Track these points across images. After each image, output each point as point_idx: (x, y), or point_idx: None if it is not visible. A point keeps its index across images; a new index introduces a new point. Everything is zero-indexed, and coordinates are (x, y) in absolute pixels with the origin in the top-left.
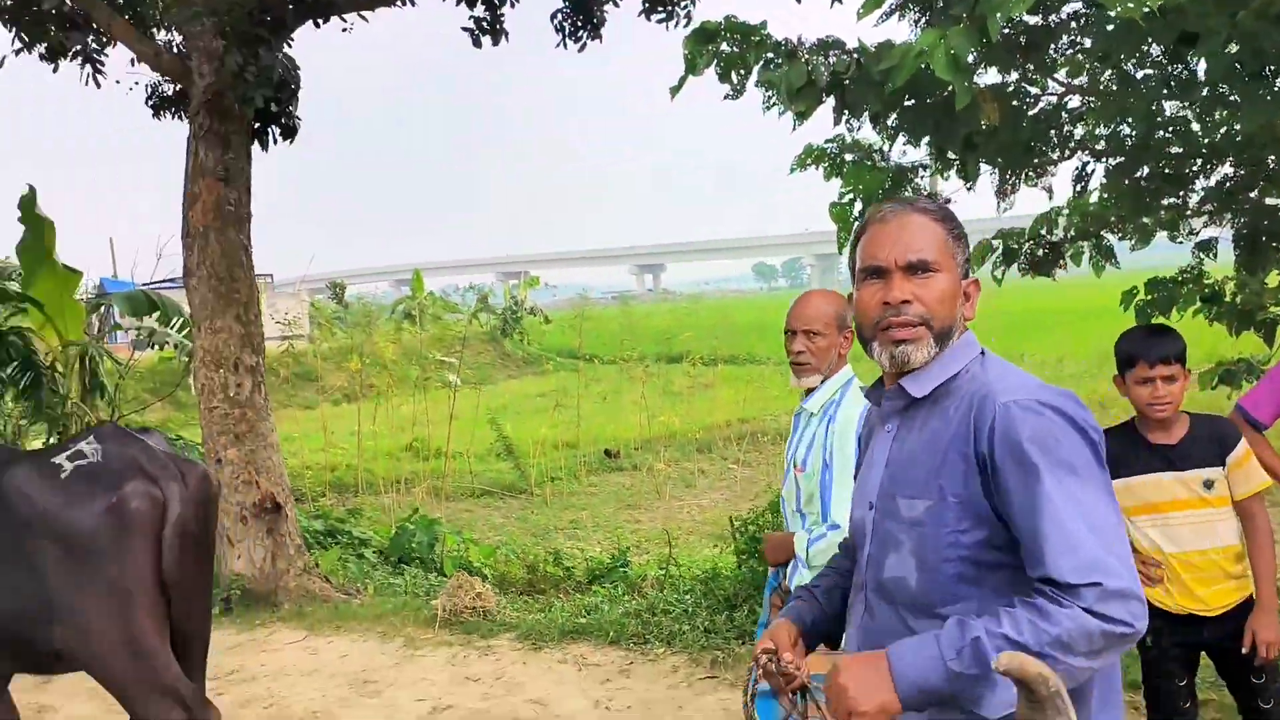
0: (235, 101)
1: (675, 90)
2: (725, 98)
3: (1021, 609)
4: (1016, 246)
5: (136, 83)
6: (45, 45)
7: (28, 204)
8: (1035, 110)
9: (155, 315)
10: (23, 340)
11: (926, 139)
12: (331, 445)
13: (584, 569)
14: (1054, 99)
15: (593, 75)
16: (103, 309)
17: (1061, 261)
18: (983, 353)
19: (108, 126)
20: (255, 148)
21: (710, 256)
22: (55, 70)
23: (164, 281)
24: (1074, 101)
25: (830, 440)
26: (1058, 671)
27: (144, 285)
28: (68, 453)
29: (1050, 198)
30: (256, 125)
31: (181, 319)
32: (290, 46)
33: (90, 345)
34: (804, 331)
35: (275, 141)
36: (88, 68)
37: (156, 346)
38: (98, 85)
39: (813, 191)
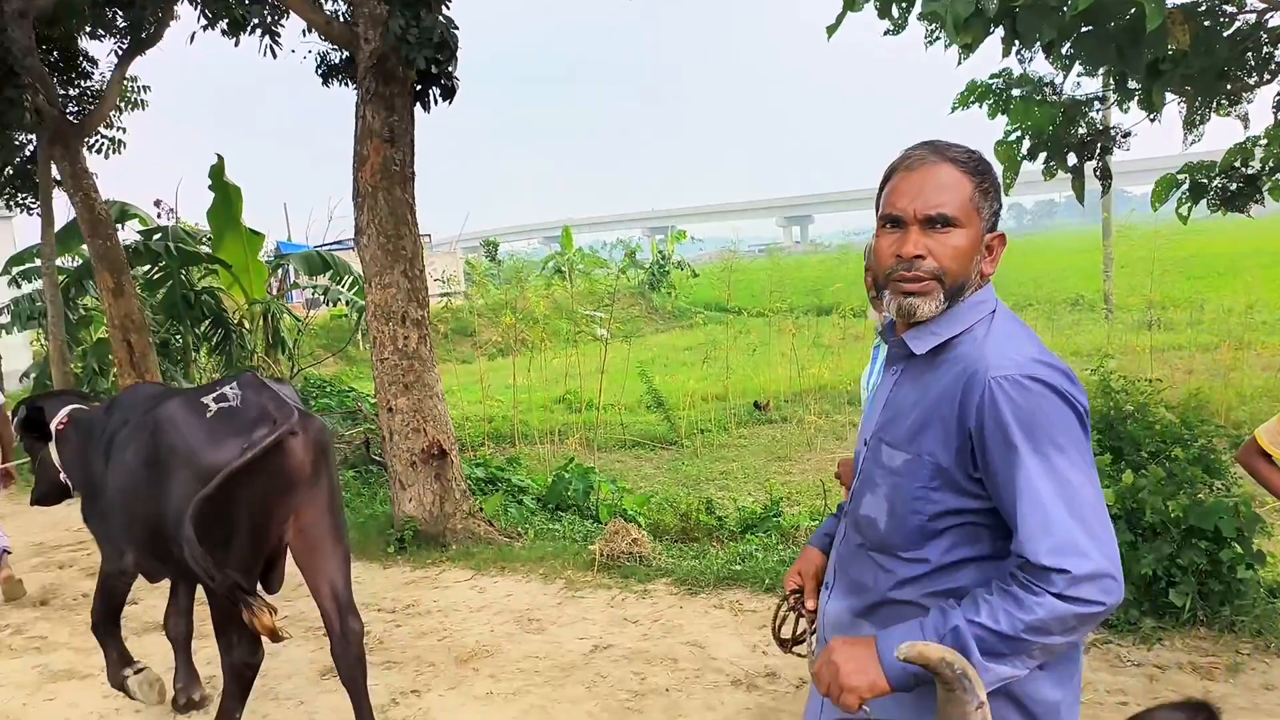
0: (399, 64)
1: (832, 29)
2: (885, 34)
3: (998, 597)
4: (1205, 181)
5: (310, 51)
6: (227, 21)
7: (217, 172)
8: (1231, 31)
9: (328, 274)
10: (214, 299)
11: (1106, 68)
12: (488, 397)
13: (736, 518)
14: (1252, 17)
15: (744, 20)
16: (282, 269)
17: (1258, 196)
18: (993, 311)
19: (282, 96)
20: (417, 110)
21: (859, 206)
22: (236, 44)
23: (333, 243)
24: (1276, 20)
25: None
26: (1033, 650)
27: (316, 247)
28: (214, 394)
29: (1246, 127)
30: (418, 87)
31: (351, 277)
32: (449, 8)
33: (272, 303)
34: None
35: (435, 102)
36: (266, 39)
37: (330, 303)
38: (274, 55)
39: (974, 132)
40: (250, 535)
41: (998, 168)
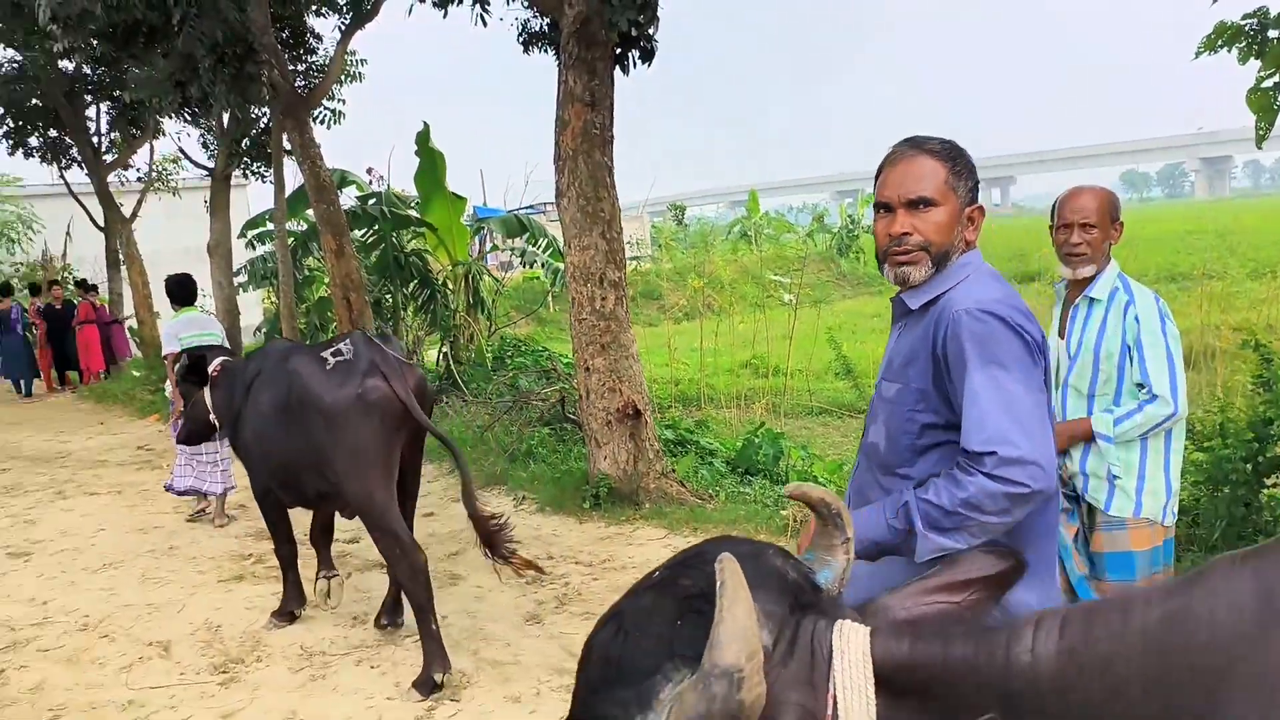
0: (601, 28)
1: None
2: None
3: (943, 480)
4: None
5: (516, 19)
6: None
7: (423, 138)
8: None
9: (525, 236)
10: (421, 261)
11: None
12: (675, 360)
13: None
14: None
15: None
16: (482, 232)
17: None
18: (976, 270)
19: (482, 65)
20: (616, 74)
21: (1066, 166)
22: (445, 15)
23: (526, 208)
24: None
25: (1134, 325)
26: (971, 527)
27: (511, 210)
28: (331, 350)
29: None
30: (618, 51)
31: (546, 240)
32: None
33: (474, 265)
34: (1080, 225)
35: (634, 65)
36: (476, 8)
37: (527, 265)
38: (484, 24)
39: (1208, 83)
40: (383, 467)
41: (1228, 124)
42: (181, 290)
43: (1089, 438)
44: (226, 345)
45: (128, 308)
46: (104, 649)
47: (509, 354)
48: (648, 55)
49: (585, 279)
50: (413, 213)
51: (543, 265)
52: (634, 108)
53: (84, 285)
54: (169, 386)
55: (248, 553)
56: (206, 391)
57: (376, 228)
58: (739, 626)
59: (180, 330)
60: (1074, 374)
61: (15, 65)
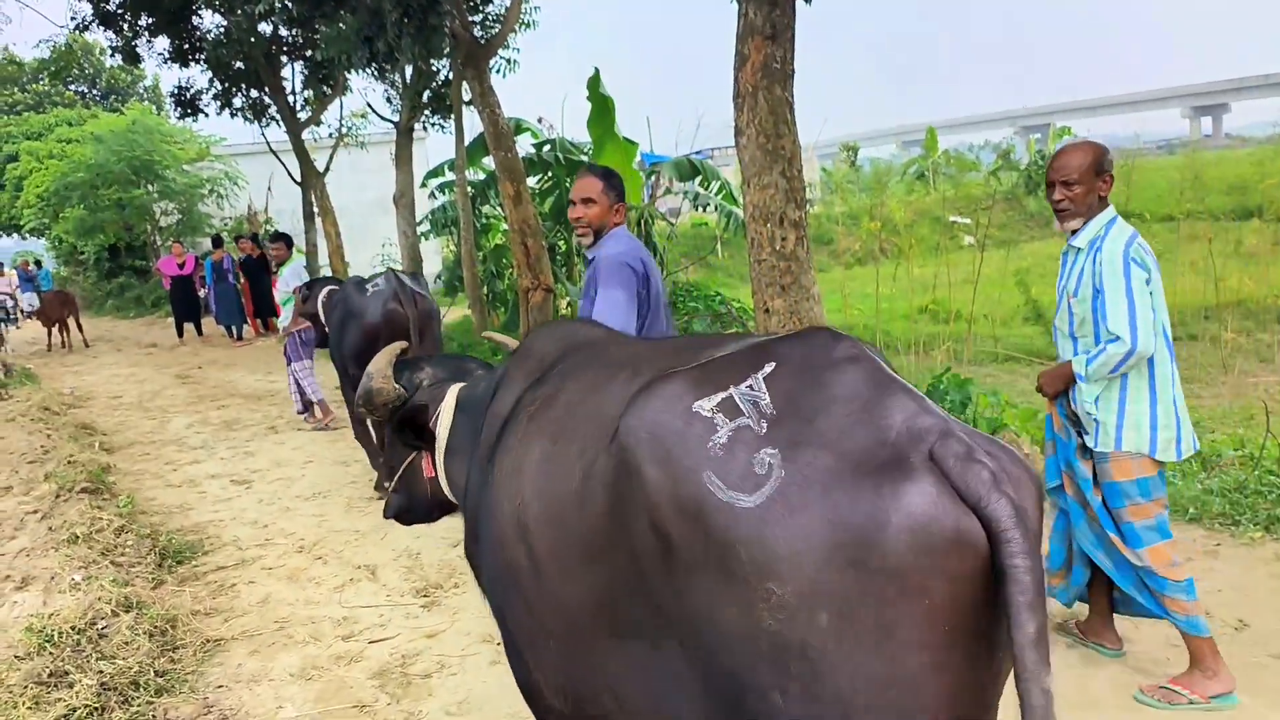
0: None
1: None
2: None
3: None
4: None
5: None
6: None
7: (594, 83)
8: None
9: (697, 180)
10: None
11: None
12: (848, 306)
13: None
14: None
15: None
16: (654, 176)
17: None
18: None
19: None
20: (799, 4)
21: None
22: None
23: (695, 152)
24: None
25: (1099, 269)
26: None
27: (683, 155)
28: (369, 281)
29: None
30: None
31: (719, 183)
32: None
33: (646, 209)
34: (1060, 182)
35: None
36: None
37: (700, 208)
38: None
39: None
40: None
41: None
42: (290, 245)
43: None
44: (332, 278)
45: (321, 258)
46: (319, 570)
47: (681, 299)
48: None
49: (765, 219)
50: (585, 158)
51: (716, 209)
52: (805, 43)
53: (281, 237)
54: (288, 317)
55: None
56: (320, 311)
57: (551, 174)
58: (379, 363)
59: (299, 272)
60: (1058, 317)
61: (222, 29)
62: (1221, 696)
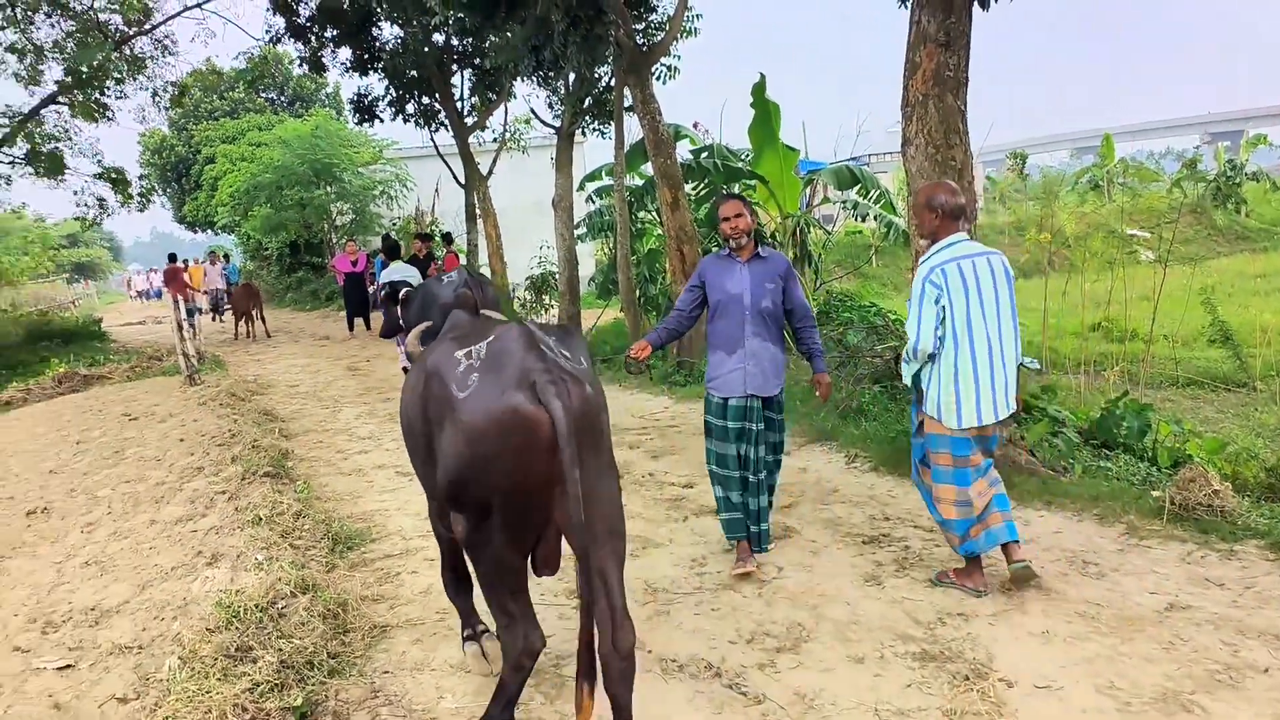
0: None
1: None
2: None
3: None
4: None
5: None
6: None
7: (758, 90)
8: None
9: (856, 188)
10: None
11: None
12: None
13: None
14: None
15: None
16: (812, 184)
17: None
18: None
19: (805, 18)
20: (976, 10)
21: None
22: None
23: (852, 159)
24: None
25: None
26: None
27: (838, 162)
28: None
29: None
30: None
31: (878, 191)
32: None
33: (804, 217)
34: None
35: (996, 0)
36: None
37: (859, 218)
38: None
39: None
40: None
41: None
42: (394, 251)
43: None
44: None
45: (481, 256)
46: None
47: (835, 309)
48: None
49: None
50: (743, 165)
51: (875, 218)
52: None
53: (446, 238)
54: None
55: None
56: (399, 308)
57: (708, 181)
58: (414, 335)
59: (393, 274)
60: None
61: (399, 40)
62: (977, 592)
